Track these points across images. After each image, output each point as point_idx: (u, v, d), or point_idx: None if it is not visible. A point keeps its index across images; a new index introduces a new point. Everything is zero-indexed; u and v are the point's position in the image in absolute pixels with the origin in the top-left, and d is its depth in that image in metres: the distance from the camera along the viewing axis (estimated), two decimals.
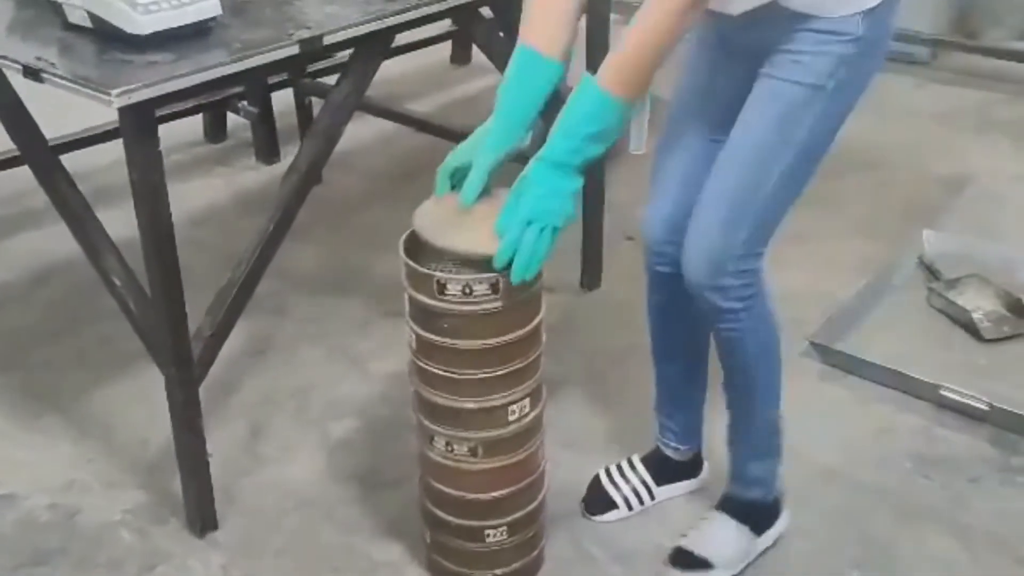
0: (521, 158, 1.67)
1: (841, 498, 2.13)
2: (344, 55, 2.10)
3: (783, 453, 1.94)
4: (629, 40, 1.56)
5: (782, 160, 1.66)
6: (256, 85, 3.26)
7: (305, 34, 1.85)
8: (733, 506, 1.97)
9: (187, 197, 3.13)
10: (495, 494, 1.81)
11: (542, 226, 1.59)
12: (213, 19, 1.83)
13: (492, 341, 1.69)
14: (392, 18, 1.98)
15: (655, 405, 2.07)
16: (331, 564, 1.99)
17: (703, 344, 1.97)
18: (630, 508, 2.07)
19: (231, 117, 3.59)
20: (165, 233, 1.81)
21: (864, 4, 1.59)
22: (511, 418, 1.76)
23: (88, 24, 1.81)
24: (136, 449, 2.26)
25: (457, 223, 1.67)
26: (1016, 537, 2.03)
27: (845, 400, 2.41)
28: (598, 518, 2.07)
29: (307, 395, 2.43)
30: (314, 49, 1.86)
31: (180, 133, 3.39)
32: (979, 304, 2.63)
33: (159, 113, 1.74)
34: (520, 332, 1.71)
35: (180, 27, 1.78)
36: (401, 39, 2.31)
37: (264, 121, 3.43)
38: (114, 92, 1.62)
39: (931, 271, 2.82)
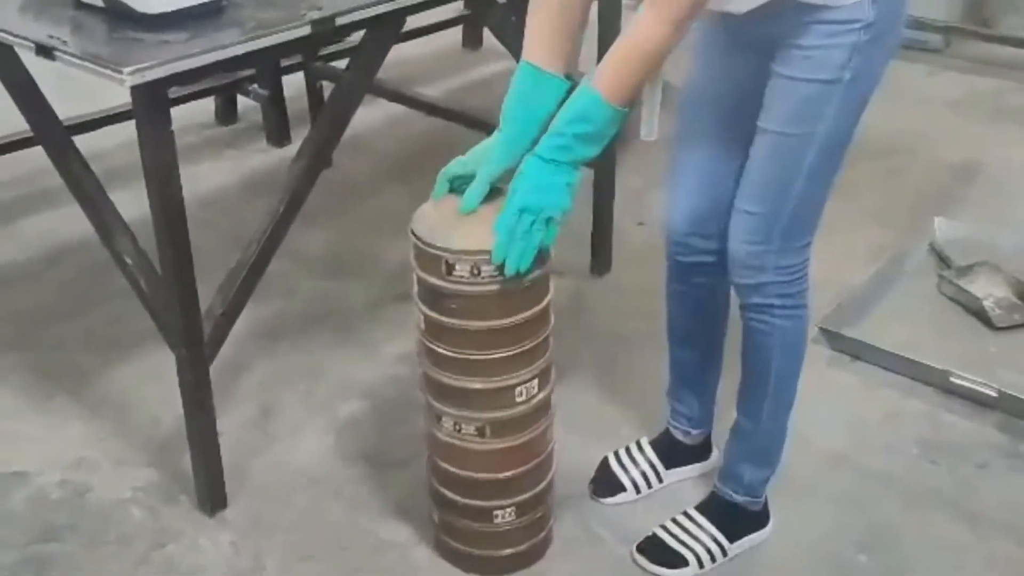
0: None
1: (849, 483, 2.13)
2: (356, 38, 2.10)
3: (780, 465, 1.93)
4: (620, 48, 1.56)
5: (808, 155, 1.65)
6: (267, 68, 3.26)
7: (317, 15, 1.85)
8: (715, 508, 1.96)
9: (198, 179, 3.14)
10: (503, 474, 1.82)
11: (533, 218, 1.60)
12: None
13: (500, 322, 1.69)
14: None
15: (668, 389, 2.07)
16: (339, 543, 2.00)
17: (720, 332, 1.98)
18: (638, 491, 2.08)
19: (242, 100, 3.60)
20: (177, 214, 1.81)
21: None
22: (519, 399, 1.77)
23: (100, 3, 1.82)
24: (147, 428, 2.28)
25: (456, 223, 1.68)
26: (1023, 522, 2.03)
27: (854, 386, 2.41)
28: (606, 500, 2.08)
29: (316, 376, 2.44)
30: (326, 30, 1.87)
31: (192, 115, 3.40)
32: (990, 292, 2.62)
33: (171, 96, 1.74)
34: (528, 313, 1.71)
35: (193, 6, 1.79)
36: (413, 23, 2.31)
37: (275, 104, 3.43)
38: (126, 70, 1.62)
39: (942, 258, 2.82)
